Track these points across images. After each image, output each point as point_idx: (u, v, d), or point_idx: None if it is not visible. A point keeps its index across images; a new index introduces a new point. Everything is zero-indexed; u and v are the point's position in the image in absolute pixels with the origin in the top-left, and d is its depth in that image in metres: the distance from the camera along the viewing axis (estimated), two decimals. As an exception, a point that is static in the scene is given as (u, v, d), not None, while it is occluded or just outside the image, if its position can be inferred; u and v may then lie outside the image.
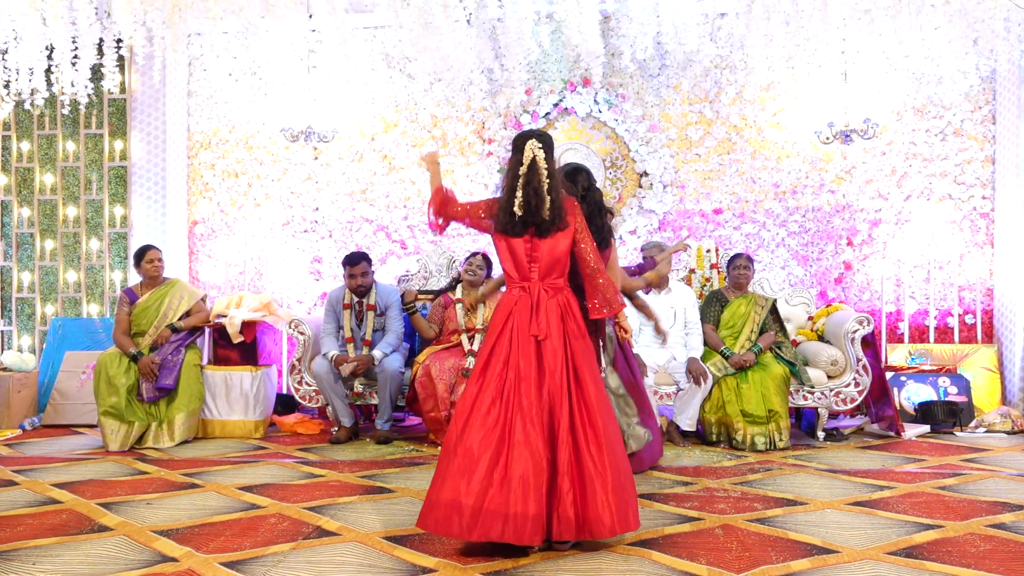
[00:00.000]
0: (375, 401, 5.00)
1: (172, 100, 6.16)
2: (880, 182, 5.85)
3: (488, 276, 5.12)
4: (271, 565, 2.66)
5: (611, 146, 6.02)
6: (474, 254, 5.22)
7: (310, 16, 5.30)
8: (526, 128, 6.01)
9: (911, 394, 5.36)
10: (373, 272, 5.17)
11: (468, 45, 5.03)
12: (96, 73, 5.34)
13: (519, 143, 2.98)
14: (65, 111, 5.43)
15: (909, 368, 5.51)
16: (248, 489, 3.70)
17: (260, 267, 6.29)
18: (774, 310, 5.07)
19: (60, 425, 5.45)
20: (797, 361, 4.88)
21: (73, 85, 5.12)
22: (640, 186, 5.98)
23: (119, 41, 4.95)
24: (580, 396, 2.85)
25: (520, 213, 2.91)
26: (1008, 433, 5.01)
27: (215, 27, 5.33)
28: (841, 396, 4.87)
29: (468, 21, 4.78)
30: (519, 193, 2.91)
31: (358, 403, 5.07)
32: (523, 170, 2.92)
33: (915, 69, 5.72)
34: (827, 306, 5.55)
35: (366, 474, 4.02)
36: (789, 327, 5.32)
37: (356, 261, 5.03)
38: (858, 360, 4.87)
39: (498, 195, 3.13)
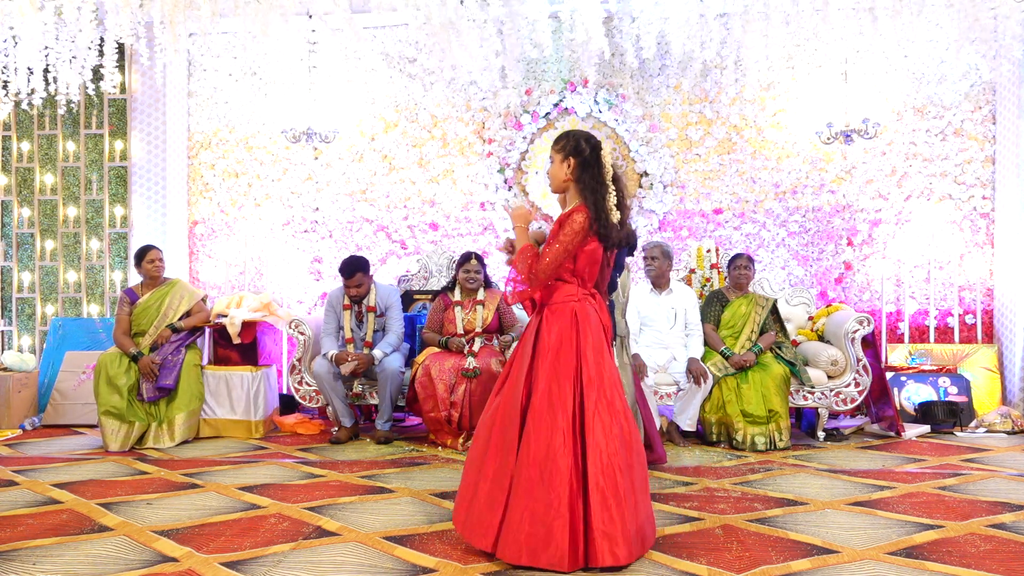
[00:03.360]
0: (375, 401, 4.99)
1: (172, 100, 6.16)
2: (880, 182, 5.85)
3: (484, 277, 5.10)
4: (271, 565, 2.66)
5: (611, 146, 6.02)
6: (467, 258, 5.06)
7: (310, 16, 5.31)
8: (525, 127, 6.01)
9: (911, 394, 5.36)
10: (372, 275, 5.15)
11: (469, 44, 5.02)
12: (96, 73, 5.34)
13: (596, 149, 2.80)
14: (61, 111, 5.41)
15: (909, 368, 5.50)
16: (248, 489, 3.70)
17: (260, 267, 6.29)
18: (774, 310, 5.07)
19: (60, 425, 5.46)
20: (797, 361, 4.88)
21: (68, 87, 5.11)
22: (640, 186, 5.98)
23: (120, 42, 4.95)
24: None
25: (615, 222, 2.79)
26: (1008, 433, 5.01)
27: (215, 27, 5.34)
28: (841, 396, 4.87)
29: (486, 21, 4.77)
30: (614, 202, 2.78)
31: (358, 403, 5.07)
32: (610, 178, 2.80)
33: (915, 69, 5.73)
34: (827, 306, 5.55)
35: (366, 474, 4.02)
36: (789, 327, 5.32)
37: (351, 274, 4.93)
38: (858, 360, 4.87)
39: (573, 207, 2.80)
